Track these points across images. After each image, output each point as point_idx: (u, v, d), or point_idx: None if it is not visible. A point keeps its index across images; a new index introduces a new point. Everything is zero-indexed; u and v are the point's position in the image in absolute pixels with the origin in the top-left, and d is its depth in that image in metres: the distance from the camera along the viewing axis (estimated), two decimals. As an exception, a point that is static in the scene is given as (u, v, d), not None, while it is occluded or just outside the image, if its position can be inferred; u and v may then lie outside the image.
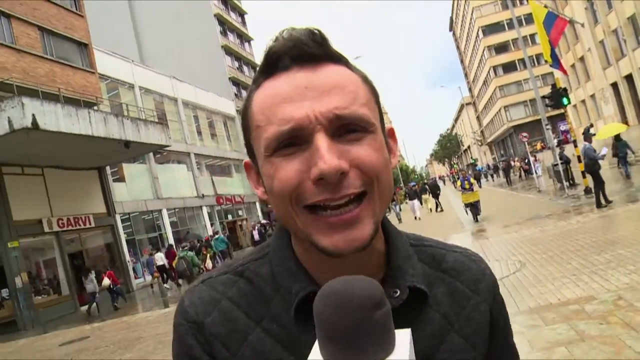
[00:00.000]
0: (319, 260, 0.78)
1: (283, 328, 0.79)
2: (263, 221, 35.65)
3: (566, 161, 22.31)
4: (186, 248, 22.11)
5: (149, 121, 24.86)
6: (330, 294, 0.62)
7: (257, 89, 0.79)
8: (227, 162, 43.13)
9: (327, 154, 0.69)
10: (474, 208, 19.73)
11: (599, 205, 15.02)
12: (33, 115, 16.58)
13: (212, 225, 36.55)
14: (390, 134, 0.84)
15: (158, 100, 33.90)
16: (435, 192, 30.49)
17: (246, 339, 0.79)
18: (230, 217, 40.54)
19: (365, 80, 0.80)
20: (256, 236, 26.52)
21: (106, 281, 19.76)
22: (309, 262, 0.81)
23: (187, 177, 35.60)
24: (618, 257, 8.31)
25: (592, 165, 15.71)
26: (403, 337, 0.63)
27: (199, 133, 39.20)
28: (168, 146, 26.97)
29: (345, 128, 0.73)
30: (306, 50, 0.75)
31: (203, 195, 35.99)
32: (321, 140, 0.71)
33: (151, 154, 30.01)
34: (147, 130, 24.00)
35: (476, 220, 19.50)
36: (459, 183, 21.14)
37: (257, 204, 45.60)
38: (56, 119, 17.62)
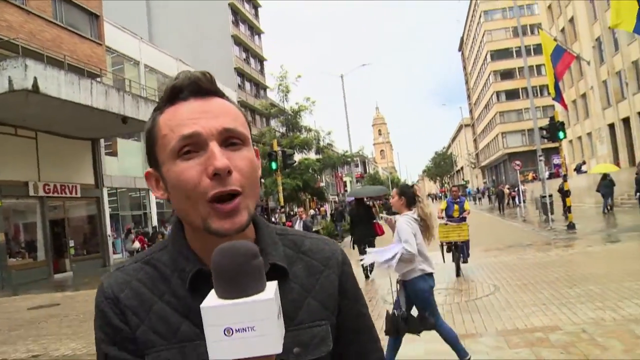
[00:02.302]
0: (207, 243, 0.99)
1: (179, 300, 1.02)
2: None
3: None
4: (166, 227, 22.31)
5: (149, 100, 24.90)
6: (222, 247, 0.85)
7: (161, 114, 1.03)
8: (221, 151, 43.25)
9: (219, 156, 0.94)
10: (457, 251, 12.03)
11: None
12: (35, 78, 16.59)
13: (197, 210, 36.60)
14: (255, 152, 1.08)
15: (161, 81, 33.89)
16: None
17: (151, 309, 1.02)
18: (215, 204, 40.59)
19: (240, 110, 1.07)
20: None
21: (137, 244, 20.37)
22: (198, 247, 1.04)
23: (179, 160, 35.65)
24: (588, 292, 8.50)
25: None
26: (271, 285, 0.85)
27: (197, 119, 39.23)
28: (165, 127, 27.06)
29: (229, 140, 0.98)
30: (201, 86, 1.01)
31: (192, 179, 36.05)
32: (215, 147, 0.95)
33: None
34: (147, 108, 24.01)
35: (458, 273, 11.74)
36: (443, 205, 13.48)
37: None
38: (58, 85, 17.63)
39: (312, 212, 49.10)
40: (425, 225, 5.34)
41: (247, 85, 52.64)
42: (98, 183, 26.11)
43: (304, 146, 37.38)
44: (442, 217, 12.71)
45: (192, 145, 0.96)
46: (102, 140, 26.52)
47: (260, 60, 58.15)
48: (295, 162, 30.04)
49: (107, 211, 26.71)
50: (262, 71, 57.89)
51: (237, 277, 0.82)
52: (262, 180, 45.01)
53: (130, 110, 22.33)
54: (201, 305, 0.81)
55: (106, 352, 1.02)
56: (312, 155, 38.84)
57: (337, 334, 1.10)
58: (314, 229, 22.62)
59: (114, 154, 28.57)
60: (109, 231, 26.54)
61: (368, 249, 6.02)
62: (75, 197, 24.29)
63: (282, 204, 23.10)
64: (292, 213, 36.22)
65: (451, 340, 5.35)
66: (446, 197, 63.15)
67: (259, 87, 55.94)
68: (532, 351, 5.78)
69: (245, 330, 0.78)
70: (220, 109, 1.01)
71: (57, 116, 20.01)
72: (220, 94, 1.05)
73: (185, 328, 0.99)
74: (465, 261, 12.29)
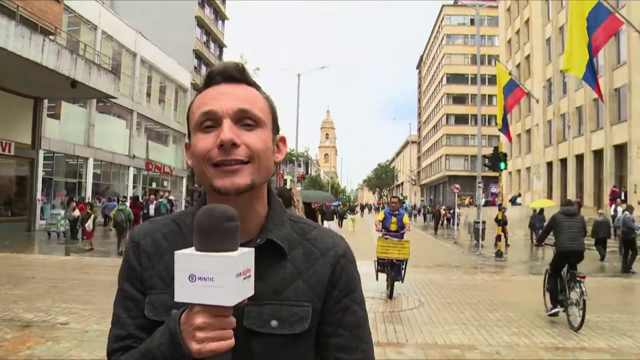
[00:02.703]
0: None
1: None
2: (172, 197, 34.97)
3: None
4: (123, 202, 21.95)
5: (102, 67, 24.28)
6: (204, 208, 1.01)
7: (199, 94, 1.20)
8: (167, 131, 42.51)
9: (226, 131, 1.09)
10: (392, 270, 10.74)
11: (626, 270, 15.61)
12: (-18, 23, 15.94)
13: (134, 188, 35.88)
14: (280, 140, 1.25)
15: (117, 50, 33.14)
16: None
17: (162, 258, 1.19)
18: (154, 184, 39.89)
19: (266, 99, 1.22)
20: (151, 210, 25.24)
21: (77, 212, 20.10)
22: None
23: (124, 134, 34.86)
24: (507, 318, 8.89)
25: (629, 234, 15.99)
26: (245, 250, 0.98)
27: (148, 94, 38.50)
28: (115, 98, 26.38)
29: (243, 120, 1.12)
30: (231, 73, 1.18)
31: (134, 156, 35.30)
32: (226, 124, 1.10)
33: (94, 101, 29.26)
34: (99, 76, 23.44)
35: (392, 294, 10.59)
36: (380, 217, 11.86)
37: (184, 180, 45.05)
38: (6, 36, 16.95)
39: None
40: None
41: (204, 68, 51.97)
42: (35, 144, 25.21)
43: (253, 138, 37.25)
44: (380, 230, 11.42)
45: (211, 121, 1.12)
46: (45, 101, 25.64)
47: (221, 45, 57.59)
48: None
49: (40, 175, 25.79)
50: (220, 57, 57.33)
51: (210, 234, 0.95)
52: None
53: (82, 75, 21.73)
54: (175, 252, 0.96)
55: (121, 286, 1.23)
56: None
57: (321, 321, 1.19)
58: None
59: (56, 116, 27.66)
60: (39, 195, 25.69)
61: None
62: (8, 154, 23.36)
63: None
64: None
65: None
66: (383, 208, 64.13)
67: (215, 73, 55.33)
68: (448, 366, 6.02)
69: (205, 280, 0.92)
70: (242, 93, 1.15)
71: (1, 68, 19.24)
72: (249, 82, 1.20)
73: None
74: (399, 278, 10.91)
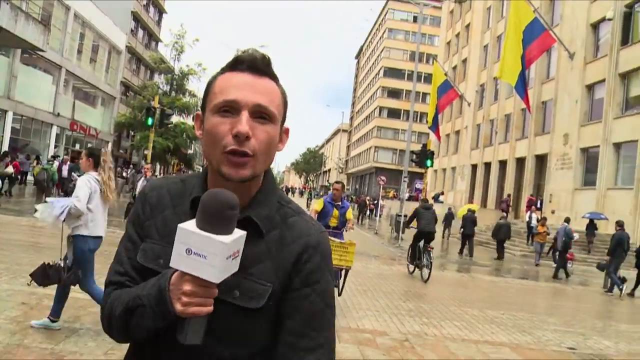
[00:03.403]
0: (217, 183, 1.25)
1: (184, 214, 1.25)
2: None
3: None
4: (50, 162, 21.17)
5: (31, 17, 23.18)
6: (211, 191, 1.13)
7: (222, 74, 1.27)
8: (96, 92, 41.04)
9: (244, 123, 1.17)
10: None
11: (556, 276, 17.03)
12: None
13: (56, 147, 34.50)
14: (285, 132, 1.34)
15: (48, 1, 31.59)
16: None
17: (163, 211, 1.31)
18: (78, 146, 38.50)
19: (283, 93, 1.30)
20: (64, 172, 24.25)
21: (10, 169, 19.55)
22: (211, 183, 1.28)
23: (49, 90, 33.38)
24: (419, 308, 9.21)
25: (566, 244, 17.29)
26: (238, 233, 1.10)
27: (79, 52, 37.03)
28: (43, 51, 25.22)
29: (259, 114, 1.21)
30: (257, 65, 1.24)
31: (59, 114, 33.91)
32: (244, 116, 1.18)
33: (19, 50, 27.79)
34: (27, 25, 22.39)
35: None
36: (318, 206, 9.31)
37: (110, 145, 43.70)
38: None
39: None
40: (104, 190, 5.50)
41: (141, 32, 50.44)
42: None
43: (184, 110, 36.56)
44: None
45: (230, 108, 1.20)
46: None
47: (160, 11, 56.02)
48: (172, 123, 29.37)
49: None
50: (159, 22, 55.83)
51: (212, 217, 1.07)
52: (132, 133, 43.41)
53: (7, 22, 20.73)
54: (179, 225, 1.08)
55: (127, 227, 1.36)
56: (190, 122, 38.06)
57: (281, 304, 1.23)
58: None
59: (-25, 62, 26.22)
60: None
61: (47, 199, 6.02)
62: None
63: (149, 161, 22.44)
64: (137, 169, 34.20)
65: (95, 298, 5.53)
66: (310, 195, 62.58)
67: (152, 38, 53.85)
68: (359, 349, 6.19)
69: (200, 256, 1.05)
70: (263, 88, 1.23)
71: None
72: (271, 76, 1.27)
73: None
74: (339, 293, 8.89)
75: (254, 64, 1.24)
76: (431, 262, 12.61)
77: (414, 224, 13.64)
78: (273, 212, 1.29)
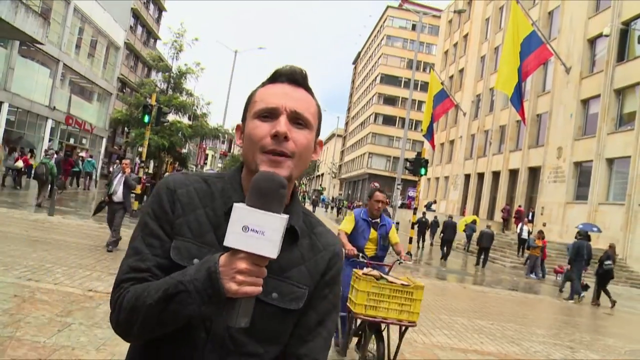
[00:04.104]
0: None
1: (216, 216, 1.32)
2: (83, 154, 33.78)
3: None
4: (49, 156, 21.21)
5: (31, 9, 23.13)
6: (264, 172, 1.17)
7: (263, 87, 1.36)
8: (93, 88, 40.94)
9: (283, 124, 1.26)
10: (380, 342, 5.52)
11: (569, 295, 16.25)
12: None
13: (50, 141, 34.39)
14: (319, 143, 1.42)
15: (50, -5, 31.55)
16: None
17: (194, 211, 1.32)
18: (72, 140, 38.40)
19: (318, 106, 1.40)
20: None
21: (20, 163, 19.86)
22: (246, 186, 1.34)
23: (46, 83, 33.28)
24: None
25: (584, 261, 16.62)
26: (284, 215, 1.12)
27: (77, 46, 36.95)
28: (41, 44, 25.16)
29: (296, 120, 1.29)
30: (295, 77, 1.34)
31: (54, 107, 33.81)
32: (283, 119, 1.27)
33: (17, 42, 27.74)
34: (26, 17, 22.33)
35: None
36: (349, 224, 6.40)
37: (104, 141, 43.56)
38: None
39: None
40: None
41: (140, 29, 50.42)
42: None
43: (181, 109, 36.49)
44: (353, 252, 6.05)
45: (270, 113, 1.29)
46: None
47: (160, 9, 56.01)
48: (168, 121, 29.32)
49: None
50: (158, 20, 55.80)
51: (266, 195, 1.10)
52: (127, 130, 43.30)
53: (6, 14, 20.65)
54: (234, 204, 1.11)
55: (147, 222, 1.32)
56: (185, 120, 37.99)
57: (305, 303, 1.36)
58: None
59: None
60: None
61: None
62: None
63: (144, 158, 22.43)
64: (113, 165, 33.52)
65: None
66: (304, 199, 61.77)
67: (151, 36, 53.83)
68: (349, 355, 6.23)
69: (257, 232, 1.08)
70: (300, 97, 1.33)
71: None
72: (307, 88, 1.37)
73: (210, 236, 1.30)
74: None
75: (292, 76, 1.34)
76: None
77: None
78: (301, 221, 1.41)
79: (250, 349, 1.29)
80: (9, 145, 26.74)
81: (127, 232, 11.69)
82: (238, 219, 1.08)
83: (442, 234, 23.93)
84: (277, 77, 1.36)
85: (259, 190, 1.11)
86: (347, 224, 6.35)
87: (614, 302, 15.32)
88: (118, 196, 10.71)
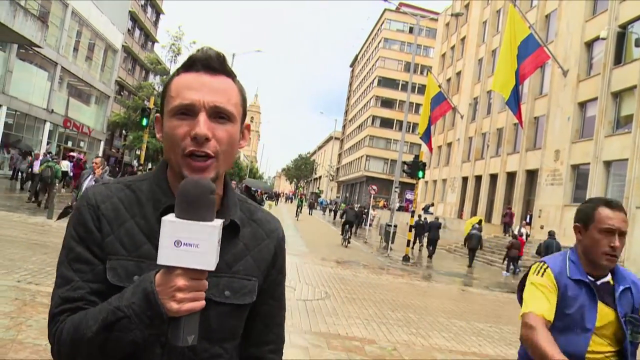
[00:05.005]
0: None
1: (148, 223, 1.24)
2: (79, 155, 33.71)
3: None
4: (55, 159, 21.21)
5: (30, 12, 23.16)
6: (189, 179, 1.09)
7: (177, 76, 1.26)
8: (91, 90, 40.90)
9: (202, 125, 1.17)
10: None
11: None
12: None
13: (48, 144, 34.36)
14: (247, 127, 1.34)
15: (47, -2, 31.55)
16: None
17: (123, 224, 1.23)
18: (70, 144, 38.39)
19: (240, 90, 1.29)
20: (36, 167, 24.00)
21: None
22: (174, 186, 1.26)
23: (44, 86, 33.26)
24: (407, 318, 9.29)
25: None
26: (218, 220, 1.07)
27: (75, 49, 36.94)
28: (39, 47, 25.16)
29: (218, 114, 1.20)
30: (211, 64, 1.23)
31: (52, 110, 33.79)
32: (202, 117, 1.18)
33: (15, 46, 27.74)
34: (25, 21, 22.38)
35: None
36: (538, 305, 2.44)
37: (102, 144, 43.53)
38: None
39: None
40: None
41: (137, 32, 50.43)
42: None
43: (179, 111, 36.52)
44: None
45: (187, 110, 1.20)
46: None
47: (158, 12, 56.03)
48: (166, 124, 29.43)
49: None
50: (156, 23, 55.81)
51: (195, 204, 1.04)
52: (125, 133, 43.31)
53: (5, 17, 20.67)
54: (162, 218, 1.04)
55: (72, 247, 1.23)
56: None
57: (258, 293, 1.35)
58: None
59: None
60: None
61: None
62: None
63: (142, 161, 22.46)
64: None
65: None
66: (301, 202, 62.29)
67: (149, 39, 53.84)
68: (348, 356, 6.28)
69: (191, 245, 1.01)
70: (219, 87, 1.23)
71: None
72: (227, 74, 1.27)
73: (147, 248, 1.22)
74: None
75: (208, 63, 1.23)
76: (350, 235, 24.82)
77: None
78: (239, 210, 1.35)
79: (212, 352, 1.26)
80: (21, 150, 26.73)
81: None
82: (169, 234, 1.01)
83: (427, 234, 24.92)
84: (193, 64, 1.24)
85: (186, 199, 1.04)
86: (541, 298, 2.52)
87: None
88: None
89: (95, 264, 1.20)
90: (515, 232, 24.58)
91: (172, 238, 1.01)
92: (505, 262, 21.83)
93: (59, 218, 10.20)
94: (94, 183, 8.50)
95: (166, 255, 1.01)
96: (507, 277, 20.65)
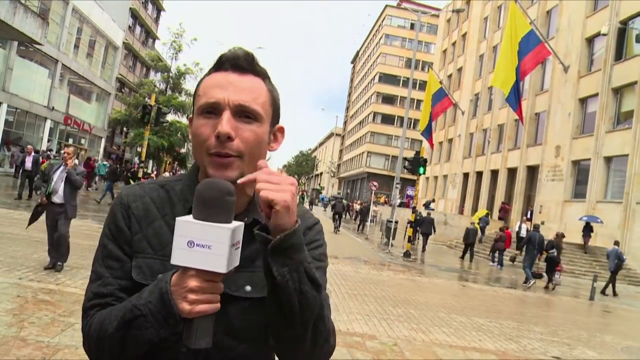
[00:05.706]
0: None
1: None
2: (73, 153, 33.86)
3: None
4: (57, 158, 21.32)
5: (30, 10, 23.15)
6: (207, 180, 1.08)
7: (207, 76, 1.27)
8: (92, 87, 40.92)
9: (225, 124, 1.16)
10: None
11: (604, 292, 17.94)
12: None
13: (49, 141, 34.40)
14: (279, 130, 1.33)
15: (48, -5, 31.55)
16: None
17: (152, 223, 1.26)
18: (71, 140, 38.41)
19: (271, 90, 1.28)
20: (28, 163, 23.23)
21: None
22: None
23: (45, 83, 33.28)
24: (408, 314, 9.33)
25: (618, 266, 18.20)
26: (237, 223, 1.06)
27: (76, 47, 36.94)
28: (40, 45, 25.17)
29: (243, 113, 1.20)
30: (239, 63, 1.23)
31: (53, 108, 33.82)
32: (226, 116, 1.17)
33: (15, 43, 27.75)
34: (25, 18, 22.37)
35: None
36: None
37: (103, 141, 43.56)
38: None
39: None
40: None
41: (138, 29, 50.44)
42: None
43: (180, 109, 36.58)
44: None
45: (213, 109, 1.20)
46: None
47: (159, 8, 56.02)
48: (167, 121, 29.43)
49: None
50: (157, 20, 55.81)
51: (211, 205, 1.03)
52: (126, 130, 43.35)
53: (5, 14, 20.67)
54: (177, 218, 1.04)
55: (105, 244, 1.27)
56: (185, 121, 38.06)
57: None
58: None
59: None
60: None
61: None
62: None
63: (143, 159, 22.47)
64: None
65: None
66: (302, 198, 61.91)
67: (150, 36, 53.84)
68: (349, 352, 6.30)
69: (204, 247, 1.01)
70: (245, 86, 1.22)
71: None
72: (257, 73, 1.26)
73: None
74: None
75: (236, 62, 1.23)
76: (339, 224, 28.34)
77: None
78: None
79: (238, 351, 1.23)
80: (22, 148, 26.78)
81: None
82: (182, 234, 1.02)
83: (418, 228, 25.04)
84: (221, 64, 1.25)
85: (202, 200, 1.04)
86: None
87: (553, 286, 17.20)
88: (59, 196, 8.18)
89: (124, 261, 1.24)
90: (517, 229, 24.74)
91: (185, 238, 1.01)
92: (491, 254, 22.97)
93: (28, 225, 8.44)
94: (65, 175, 8.21)
95: (179, 255, 1.02)
96: (500, 270, 21.22)
